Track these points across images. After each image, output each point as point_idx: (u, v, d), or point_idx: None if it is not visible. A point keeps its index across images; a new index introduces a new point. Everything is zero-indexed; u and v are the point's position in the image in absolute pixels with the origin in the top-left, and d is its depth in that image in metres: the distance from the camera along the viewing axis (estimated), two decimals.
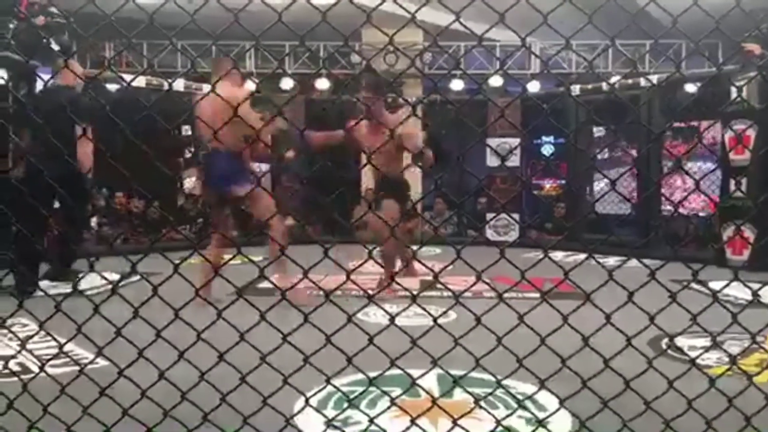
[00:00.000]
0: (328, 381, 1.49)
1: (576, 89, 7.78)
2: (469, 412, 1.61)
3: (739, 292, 2.75)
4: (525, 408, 1.67)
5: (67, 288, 3.98)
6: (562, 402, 1.51)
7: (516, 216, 8.43)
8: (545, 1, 1.38)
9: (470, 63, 8.78)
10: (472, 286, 1.48)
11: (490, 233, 8.32)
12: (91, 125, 3.92)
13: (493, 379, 1.50)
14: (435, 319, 1.43)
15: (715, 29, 1.42)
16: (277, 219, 4.27)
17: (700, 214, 7.87)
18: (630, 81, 7.37)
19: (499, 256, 1.40)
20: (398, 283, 3.23)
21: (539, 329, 1.42)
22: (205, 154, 4.19)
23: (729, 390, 1.50)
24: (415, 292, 1.48)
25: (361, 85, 4.47)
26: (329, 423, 1.68)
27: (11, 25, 5.93)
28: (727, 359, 2.50)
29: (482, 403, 1.60)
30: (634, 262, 1.66)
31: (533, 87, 8.49)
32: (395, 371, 1.46)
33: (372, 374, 1.48)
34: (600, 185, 8.22)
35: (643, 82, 7.15)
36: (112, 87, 6.86)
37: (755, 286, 1.58)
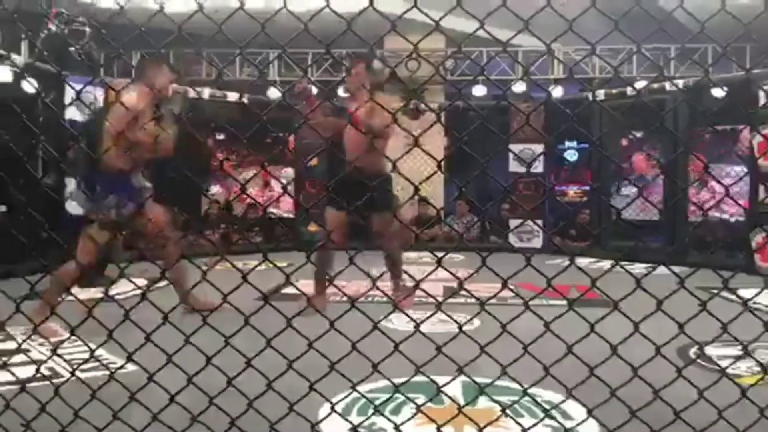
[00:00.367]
0: (353, 387, 1.49)
1: (600, 94, 7.71)
2: (495, 420, 1.60)
3: None
4: (552, 417, 1.65)
5: (98, 293, 4.07)
6: (590, 411, 1.49)
7: (539, 222, 8.36)
8: (571, 6, 1.38)
9: (492, 68, 8.76)
10: (498, 293, 1.48)
11: (513, 239, 8.27)
12: None
13: (517, 387, 1.49)
14: (460, 327, 1.43)
15: (744, 33, 1.40)
16: (168, 233, 3.76)
17: (731, 220, 7.72)
18: (655, 85, 7.29)
19: (522, 262, 1.40)
20: (423, 290, 3.13)
21: (565, 337, 1.41)
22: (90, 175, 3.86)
23: (760, 400, 1.47)
24: (440, 299, 1.48)
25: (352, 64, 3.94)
26: (355, 429, 1.69)
27: (42, 35, 6.08)
28: (758, 368, 2.46)
29: (508, 412, 1.59)
30: (661, 269, 1.64)
31: (556, 92, 8.43)
32: (419, 378, 1.46)
33: (395, 381, 1.48)
34: (626, 191, 8.12)
35: (668, 86, 7.06)
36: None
37: None
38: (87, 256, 3.35)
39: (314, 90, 7.89)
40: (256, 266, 1.53)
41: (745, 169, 6.60)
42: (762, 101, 5.70)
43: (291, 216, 8.95)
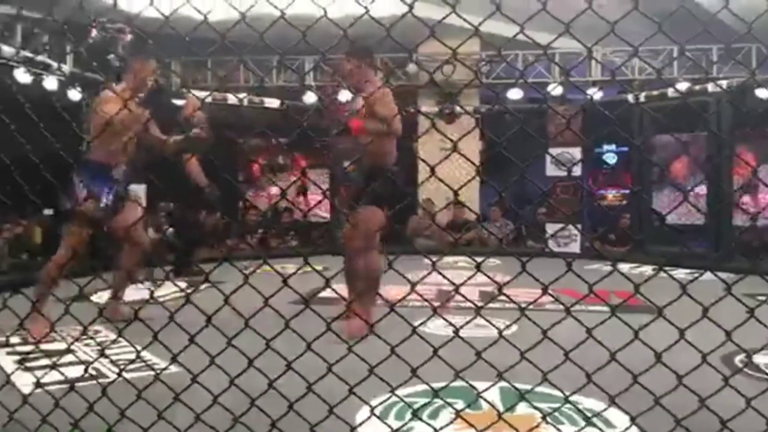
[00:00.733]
0: (392, 391, 1.50)
1: (640, 96, 7.57)
2: (536, 427, 1.58)
3: None
4: (593, 425, 1.63)
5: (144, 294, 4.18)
6: (633, 419, 1.46)
7: (576, 226, 8.24)
8: (608, 8, 1.36)
9: (528, 71, 8.68)
10: (538, 298, 1.46)
11: (550, 243, 8.17)
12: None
13: (557, 394, 1.48)
14: (500, 332, 1.42)
15: None
16: (139, 233, 3.73)
17: None
18: (697, 87, 7.12)
19: (558, 266, 1.38)
20: (462, 295, 3.06)
21: (605, 344, 1.39)
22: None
23: None
24: (480, 304, 1.48)
25: (347, 54, 3.61)
26: None
27: (86, 44, 6.27)
28: None
29: (548, 419, 1.57)
30: (707, 275, 1.60)
31: (595, 95, 8.31)
32: (456, 382, 1.46)
33: (433, 385, 1.48)
34: (666, 194, 7.94)
35: (711, 87, 6.88)
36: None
37: None
38: (67, 251, 3.35)
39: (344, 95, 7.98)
40: (297, 270, 1.55)
41: None
42: None
43: (326, 220, 9.03)
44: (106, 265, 3.94)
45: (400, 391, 1.56)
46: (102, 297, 4.08)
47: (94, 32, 6.07)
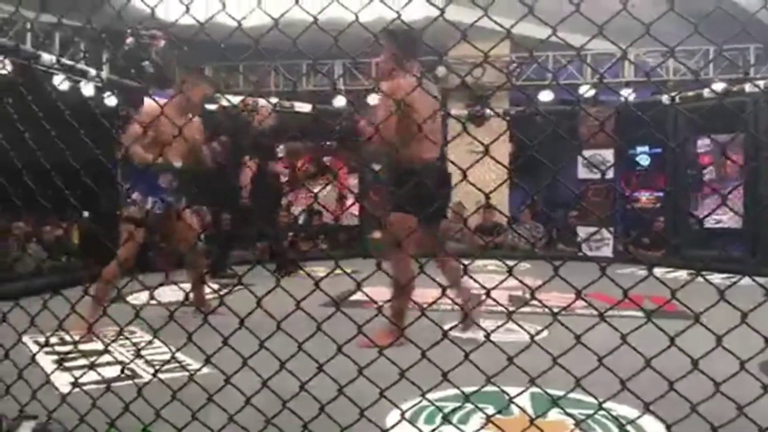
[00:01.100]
0: (423, 395, 1.49)
1: (676, 97, 7.43)
2: None
3: None
4: None
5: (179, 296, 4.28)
6: (669, 427, 1.44)
7: (610, 229, 8.12)
8: (640, 8, 1.34)
9: (560, 72, 8.59)
10: (571, 303, 1.45)
11: (583, 247, 8.07)
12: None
13: (589, 400, 1.46)
14: (532, 337, 1.41)
15: None
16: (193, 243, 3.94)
17: None
18: (734, 87, 6.96)
19: (590, 270, 1.36)
20: (493, 299, 2.98)
21: (640, 350, 1.37)
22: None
23: None
24: (510, 308, 1.47)
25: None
26: None
27: (122, 50, 6.42)
28: None
29: (581, 426, 1.55)
30: (745, 280, 1.56)
31: (628, 96, 8.18)
32: (487, 387, 1.45)
33: (464, 390, 1.47)
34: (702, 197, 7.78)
35: (747, 88, 6.72)
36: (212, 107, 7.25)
37: None
38: (123, 253, 3.47)
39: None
40: (328, 274, 1.56)
41: None
42: None
43: (356, 224, 9.08)
44: (143, 268, 4.10)
45: (430, 395, 1.56)
46: (138, 298, 4.17)
47: (129, 39, 6.22)
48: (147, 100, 3.79)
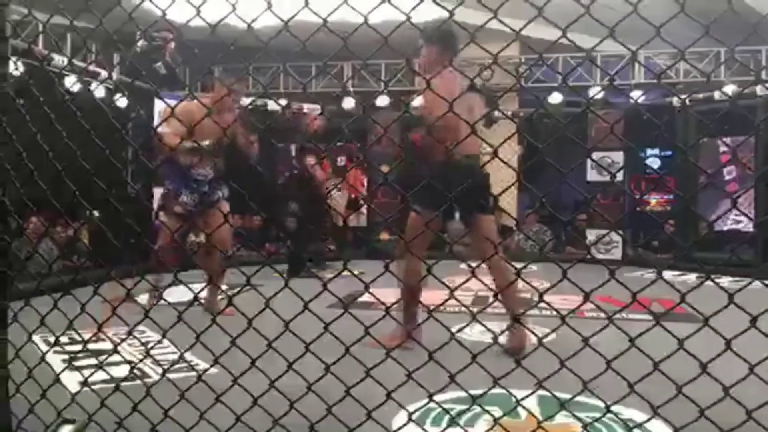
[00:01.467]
0: (430, 397, 1.50)
1: (686, 100, 7.39)
2: None
3: None
4: None
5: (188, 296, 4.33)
6: (677, 431, 1.43)
7: (619, 232, 8.09)
8: (650, 8, 1.33)
9: (570, 74, 8.56)
10: (579, 306, 1.44)
11: (591, 250, 8.04)
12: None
13: (597, 403, 1.45)
14: (540, 339, 1.41)
15: None
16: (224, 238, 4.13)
17: None
18: (745, 90, 6.91)
19: (598, 273, 1.36)
20: (501, 301, 2.88)
21: (647, 353, 1.36)
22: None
23: None
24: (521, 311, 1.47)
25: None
26: None
27: (132, 52, 6.46)
28: None
29: (589, 429, 1.55)
30: (755, 283, 1.55)
31: (638, 98, 8.14)
32: (494, 390, 1.45)
33: (471, 392, 1.47)
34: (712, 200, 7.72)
35: (759, 90, 6.68)
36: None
37: None
38: (161, 241, 3.80)
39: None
40: (337, 274, 1.56)
41: None
42: None
43: (363, 225, 9.09)
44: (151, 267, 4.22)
45: (437, 397, 1.56)
46: (146, 299, 4.19)
47: (141, 41, 6.26)
48: (186, 99, 3.86)
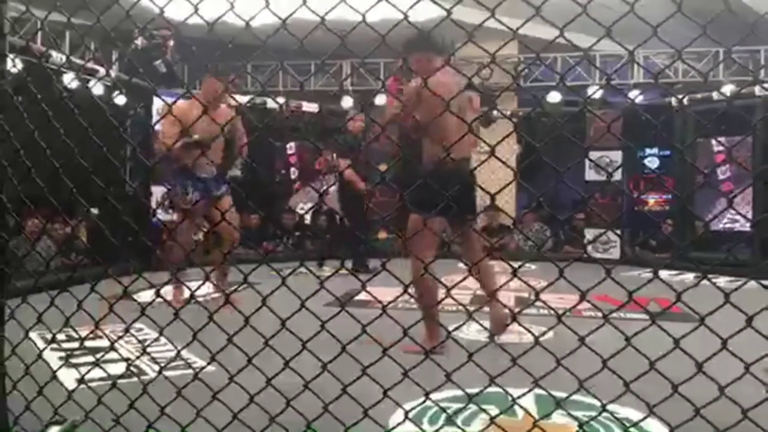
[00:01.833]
0: (427, 396, 1.50)
1: (684, 99, 7.39)
2: None
3: None
4: None
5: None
6: (672, 430, 1.43)
7: (617, 232, 8.09)
8: (648, 8, 1.34)
9: (568, 74, 8.55)
10: (576, 305, 1.45)
11: (589, 249, 8.05)
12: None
13: (593, 402, 1.46)
14: (537, 338, 1.41)
15: None
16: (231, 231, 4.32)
17: None
18: (743, 90, 6.92)
19: (595, 272, 1.36)
20: (498, 300, 2.88)
21: (644, 352, 1.36)
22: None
23: None
24: (516, 310, 1.47)
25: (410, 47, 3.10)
26: None
27: (130, 50, 6.45)
28: None
29: (585, 428, 1.55)
30: (751, 283, 1.55)
31: (636, 98, 8.15)
32: (491, 388, 1.45)
33: (467, 391, 1.48)
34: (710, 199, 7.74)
35: (758, 91, 6.68)
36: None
37: None
38: (180, 238, 4.08)
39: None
40: (334, 273, 1.56)
41: None
42: None
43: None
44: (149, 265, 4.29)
45: (434, 396, 1.56)
46: (143, 296, 4.18)
47: (139, 39, 6.25)
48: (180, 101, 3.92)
